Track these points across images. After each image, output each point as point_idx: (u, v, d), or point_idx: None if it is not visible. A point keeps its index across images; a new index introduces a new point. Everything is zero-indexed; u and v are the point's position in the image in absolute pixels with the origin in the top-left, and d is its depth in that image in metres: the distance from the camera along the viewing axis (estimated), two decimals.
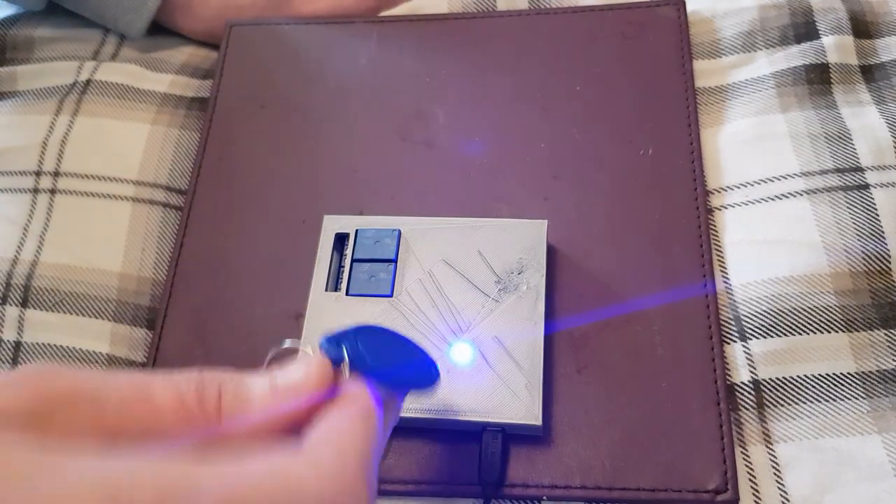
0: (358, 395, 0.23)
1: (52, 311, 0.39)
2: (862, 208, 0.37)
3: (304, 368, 0.23)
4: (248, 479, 0.19)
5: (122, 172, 0.43)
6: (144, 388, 0.21)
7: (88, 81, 0.46)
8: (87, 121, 0.45)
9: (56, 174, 0.43)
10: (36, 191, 0.43)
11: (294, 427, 0.23)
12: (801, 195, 0.38)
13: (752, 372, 0.35)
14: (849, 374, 0.34)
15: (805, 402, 0.34)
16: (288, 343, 0.24)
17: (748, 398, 0.35)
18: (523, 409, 0.33)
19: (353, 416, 0.23)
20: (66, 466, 0.18)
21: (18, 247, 0.41)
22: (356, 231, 0.37)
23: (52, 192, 0.43)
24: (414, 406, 0.33)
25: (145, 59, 0.49)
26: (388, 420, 0.26)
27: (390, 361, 0.25)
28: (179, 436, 0.21)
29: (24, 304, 0.39)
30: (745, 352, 0.35)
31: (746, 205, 0.39)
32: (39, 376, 0.20)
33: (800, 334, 0.35)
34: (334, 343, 0.24)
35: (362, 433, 0.22)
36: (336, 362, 0.24)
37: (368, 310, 0.35)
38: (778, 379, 0.35)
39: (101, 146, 0.44)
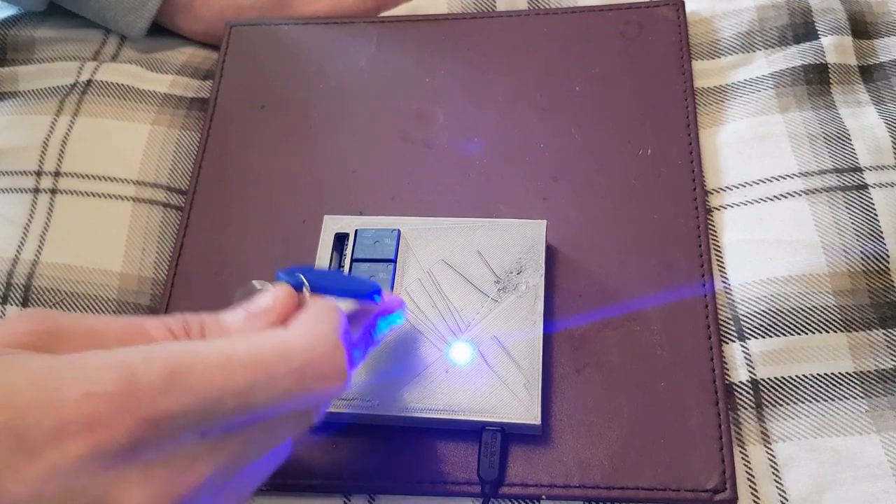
0: (320, 300, 0.27)
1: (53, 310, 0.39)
2: (860, 208, 0.37)
3: (270, 294, 0.26)
4: (244, 345, 0.22)
5: (122, 172, 0.44)
6: (139, 324, 0.24)
7: (89, 82, 0.46)
8: (88, 121, 0.45)
9: (57, 174, 0.43)
10: (37, 191, 0.43)
11: None
12: (800, 195, 0.38)
13: (750, 371, 0.35)
14: (847, 373, 0.34)
15: (803, 402, 0.34)
16: (257, 284, 0.27)
17: (747, 398, 0.35)
18: (522, 408, 0.33)
19: (322, 307, 0.26)
20: (83, 361, 0.21)
21: (19, 246, 0.41)
22: (356, 231, 0.38)
23: (53, 191, 0.43)
24: (414, 405, 0.33)
25: (146, 59, 0.49)
26: (356, 333, 0.29)
27: (338, 281, 0.30)
28: None
29: (25, 303, 0.40)
30: (743, 351, 0.35)
31: (745, 205, 0.39)
32: (42, 313, 0.23)
33: (798, 334, 0.35)
34: (289, 273, 0.27)
35: (332, 316, 0.25)
36: (296, 287, 0.27)
37: None
38: (776, 378, 0.35)
39: (101, 146, 0.44)
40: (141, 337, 0.24)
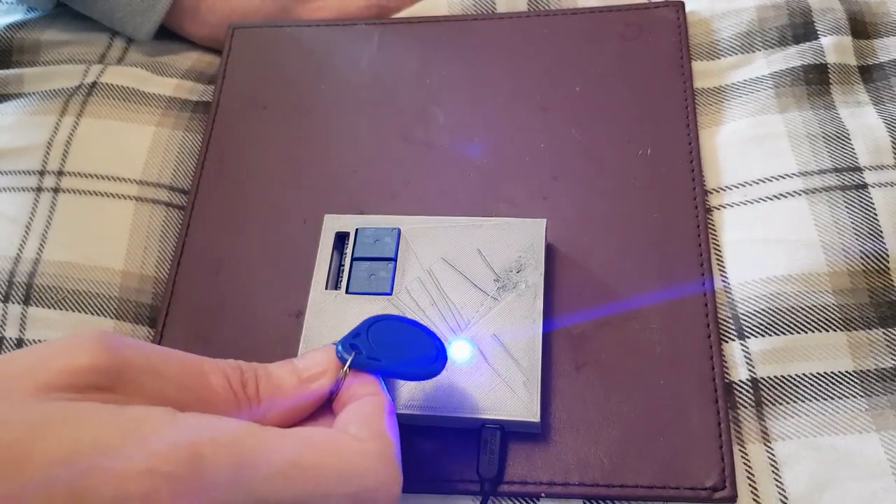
0: (370, 386, 0.28)
1: (55, 308, 0.40)
2: (860, 208, 0.37)
3: (323, 358, 0.28)
4: (310, 453, 0.23)
5: (125, 172, 0.44)
6: (198, 368, 0.25)
7: (94, 84, 0.47)
8: (92, 122, 0.45)
9: (60, 173, 0.44)
10: (39, 189, 0.43)
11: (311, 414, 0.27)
12: (800, 195, 0.38)
13: (750, 370, 0.35)
14: (847, 372, 0.34)
15: (803, 401, 0.34)
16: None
17: (746, 396, 0.35)
18: (522, 406, 0.33)
19: (376, 403, 0.27)
20: (149, 430, 0.21)
21: (21, 245, 0.41)
22: (356, 230, 0.38)
23: (56, 190, 0.43)
24: (412, 403, 0.33)
25: (151, 62, 0.49)
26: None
27: (400, 357, 0.29)
28: (229, 413, 0.24)
29: (27, 301, 0.40)
30: (743, 350, 0.35)
31: (745, 204, 0.39)
32: (105, 342, 0.23)
33: (798, 333, 0.35)
34: (348, 347, 0.28)
35: (393, 432, 0.26)
36: (343, 360, 0.28)
37: (368, 308, 0.36)
38: (776, 377, 0.35)
39: (105, 147, 0.45)
40: (200, 383, 0.24)
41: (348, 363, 0.28)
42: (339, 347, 0.28)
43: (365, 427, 0.25)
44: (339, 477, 0.23)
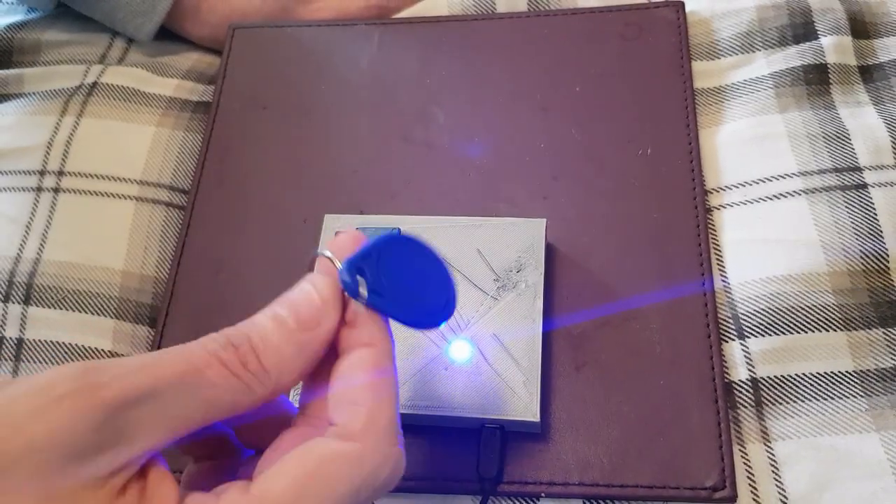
0: (373, 330, 0.24)
1: (55, 308, 0.40)
2: (860, 208, 0.37)
3: (323, 294, 0.24)
4: (314, 483, 0.21)
5: (125, 172, 0.44)
6: (192, 369, 0.21)
7: (94, 84, 0.47)
8: (93, 122, 0.45)
9: (60, 173, 0.44)
10: (39, 189, 0.43)
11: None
12: (800, 195, 0.38)
13: (750, 370, 0.35)
14: (847, 372, 0.34)
15: (803, 401, 0.34)
16: (328, 253, 0.24)
17: (746, 396, 0.35)
18: (522, 406, 0.33)
19: (379, 385, 0.23)
20: None
21: (21, 244, 0.41)
22: (356, 230, 0.38)
23: (56, 190, 0.43)
24: (413, 403, 0.33)
25: (152, 63, 0.49)
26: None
27: (407, 296, 0.24)
28: (242, 403, 0.22)
29: (27, 301, 0.40)
30: (743, 350, 0.35)
31: (745, 204, 0.39)
32: (85, 391, 0.20)
33: (798, 333, 0.35)
34: (354, 274, 0.23)
35: (388, 398, 0.23)
36: (352, 294, 0.23)
37: None
38: (776, 377, 0.35)
39: (105, 147, 0.45)
40: (199, 383, 0.21)
41: (364, 300, 0.23)
42: (345, 273, 0.23)
43: (354, 414, 0.23)
44: (350, 489, 0.22)
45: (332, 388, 0.24)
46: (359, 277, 0.23)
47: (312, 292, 0.24)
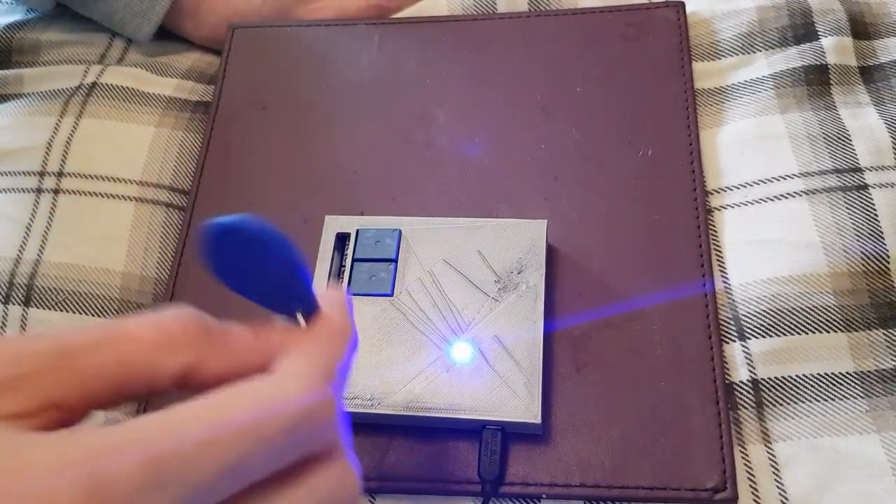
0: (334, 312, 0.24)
1: (55, 309, 0.40)
2: (861, 209, 0.37)
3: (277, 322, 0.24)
4: (234, 407, 0.19)
5: (125, 173, 0.44)
6: (118, 329, 0.20)
7: (94, 84, 0.47)
8: (92, 122, 0.45)
9: (60, 174, 0.43)
10: (39, 190, 0.43)
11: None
12: (800, 195, 0.38)
13: (750, 371, 0.35)
14: (847, 373, 0.34)
15: (804, 402, 0.34)
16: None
17: (747, 397, 0.35)
18: (523, 407, 0.33)
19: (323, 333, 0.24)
20: (35, 453, 0.17)
21: (21, 246, 0.41)
22: (357, 231, 0.38)
23: (56, 191, 0.43)
24: (414, 404, 0.33)
25: (151, 63, 0.49)
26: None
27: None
28: (167, 363, 0.21)
29: (27, 303, 0.40)
30: (743, 351, 0.35)
31: (745, 205, 0.39)
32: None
33: (798, 334, 0.35)
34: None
35: (334, 347, 0.23)
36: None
37: (369, 309, 0.36)
38: (777, 378, 0.35)
39: (105, 147, 0.45)
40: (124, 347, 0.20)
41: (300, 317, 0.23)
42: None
43: (295, 357, 0.22)
44: (267, 417, 0.19)
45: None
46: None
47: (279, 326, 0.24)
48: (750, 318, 0.36)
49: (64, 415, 0.19)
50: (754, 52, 0.44)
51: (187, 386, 0.21)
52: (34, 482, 0.16)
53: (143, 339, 0.20)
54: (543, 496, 0.33)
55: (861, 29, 0.44)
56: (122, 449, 0.17)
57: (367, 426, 0.35)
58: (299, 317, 0.24)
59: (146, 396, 0.21)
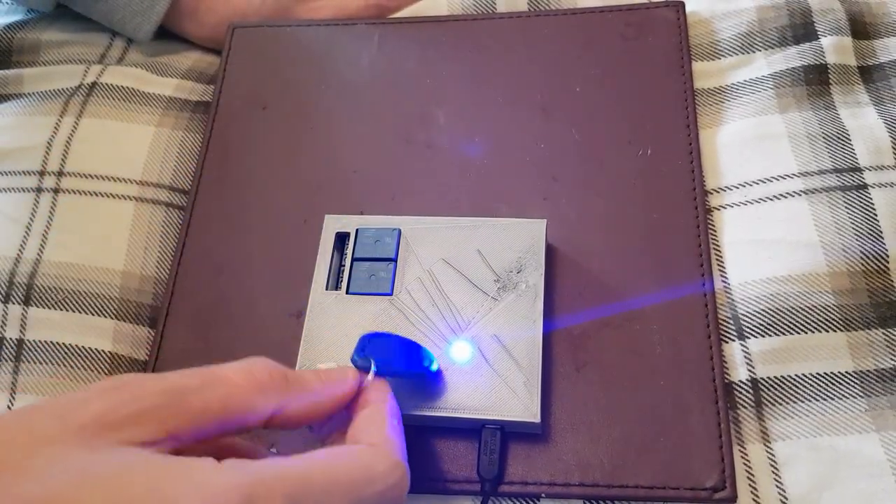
0: (381, 392, 0.30)
1: (55, 309, 0.40)
2: (860, 208, 0.37)
3: (340, 368, 0.30)
4: (344, 469, 0.25)
5: (125, 172, 0.44)
6: (217, 374, 0.25)
7: (94, 84, 0.47)
8: (92, 122, 0.45)
9: (60, 174, 0.43)
10: (39, 190, 0.43)
11: (334, 414, 0.29)
12: (800, 195, 0.38)
13: (750, 370, 0.35)
14: (846, 372, 0.34)
15: (803, 401, 0.34)
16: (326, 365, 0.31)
17: (746, 397, 0.35)
18: (522, 406, 0.33)
19: (384, 410, 0.29)
20: (201, 478, 0.21)
21: (21, 245, 0.41)
22: (357, 230, 0.38)
23: (56, 191, 0.43)
24: (413, 404, 0.33)
25: (151, 63, 0.49)
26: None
27: (400, 361, 0.32)
28: (255, 402, 0.25)
29: (27, 302, 0.40)
30: (743, 350, 0.35)
31: (745, 205, 0.39)
32: (127, 383, 0.23)
33: (798, 333, 0.35)
34: (361, 356, 0.31)
35: (397, 428, 0.29)
36: (363, 369, 0.31)
37: (369, 308, 0.36)
38: (776, 377, 0.35)
39: (105, 147, 0.45)
40: (218, 380, 0.25)
41: (372, 370, 0.30)
42: (356, 357, 0.31)
43: (376, 432, 0.28)
44: (367, 482, 0.25)
45: (355, 420, 0.29)
46: (363, 358, 0.31)
47: (333, 368, 0.30)
48: (749, 318, 0.36)
49: (178, 445, 0.23)
50: (754, 52, 0.44)
51: (273, 425, 0.26)
52: (205, 495, 0.21)
53: (239, 384, 0.25)
54: (543, 495, 0.33)
55: (861, 29, 0.44)
56: (270, 482, 0.22)
57: None
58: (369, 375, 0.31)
59: (241, 432, 0.25)
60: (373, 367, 0.30)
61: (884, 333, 0.35)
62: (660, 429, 0.34)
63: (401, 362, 0.32)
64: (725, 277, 0.37)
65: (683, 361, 0.35)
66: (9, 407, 0.38)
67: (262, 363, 0.26)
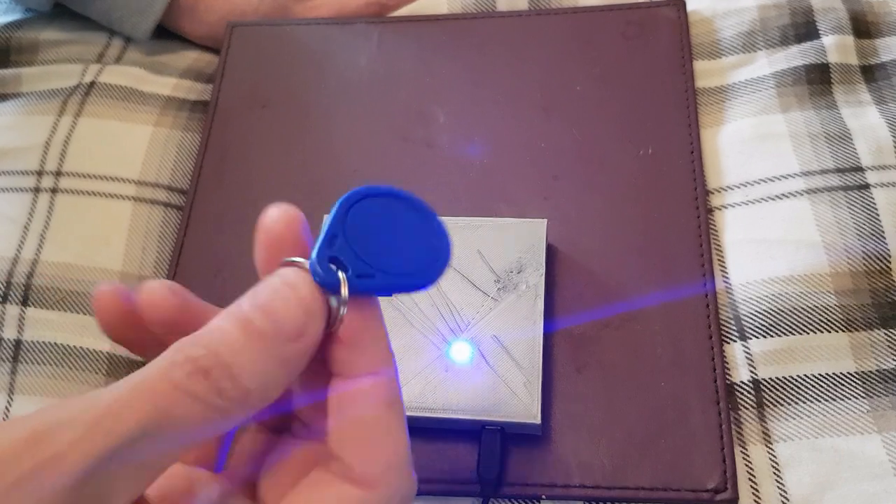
0: (372, 329, 0.21)
1: (53, 309, 0.40)
2: (862, 208, 0.37)
3: (298, 300, 0.19)
4: None
5: (123, 172, 0.44)
6: (156, 408, 0.18)
7: (92, 84, 0.47)
8: (90, 122, 0.45)
9: (58, 174, 0.43)
10: (37, 190, 0.43)
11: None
12: (802, 195, 0.38)
13: (751, 371, 0.35)
14: (849, 373, 0.34)
15: (805, 402, 0.34)
16: (299, 260, 0.20)
17: (748, 397, 0.34)
18: (522, 407, 0.33)
19: (391, 420, 0.21)
20: None
21: (19, 245, 0.41)
22: None
23: (54, 191, 0.43)
24: (412, 405, 0.33)
25: (149, 62, 0.49)
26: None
27: (396, 258, 0.20)
28: (218, 428, 0.19)
29: (25, 302, 0.40)
30: (744, 351, 0.35)
31: (746, 204, 0.39)
32: (36, 471, 0.17)
33: (800, 334, 0.35)
34: (327, 265, 0.20)
35: (401, 433, 0.21)
36: (328, 286, 0.19)
37: None
38: (778, 378, 0.35)
39: (103, 147, 0.44)
40: (168, 425, 0.18)
41: (343, 300, 0.19)
42: (318, 269, 0.19)
43: (370, 458, 0.20)
44: None
45: (334, 419, 0.21)
46: (333, 267, 0.19)
47: (290, 296, 0.19)
48: (751, 318, 0.36)
49: None
50: (755, 51, 0.44)
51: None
52: None
53: (192, 418, 0.19)
54: (543, 497, 0.33)
55: (863, 28, 0.43)
56: None
57: None
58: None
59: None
60: (345, 290, 0.19)
61: (886, 334, 0.35)
62: (661, 430, 0.34)
63: (397, 271, 0.20)
64: (727, 277, 0.37)
65: (684, 362, 0.35)
66: (7, 407, 0.38)
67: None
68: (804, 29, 0.43)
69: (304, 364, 0.20)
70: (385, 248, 0.20)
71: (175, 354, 0.19)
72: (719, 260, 0.38)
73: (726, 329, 0.36)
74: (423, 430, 0.34)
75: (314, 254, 0.20)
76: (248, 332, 0.19)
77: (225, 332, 0.19)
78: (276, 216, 0.21)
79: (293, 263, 0.20)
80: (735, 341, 0.36)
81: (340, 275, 0.19)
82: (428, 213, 0.22)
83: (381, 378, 0.21)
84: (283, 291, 0.20)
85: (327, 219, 0.21)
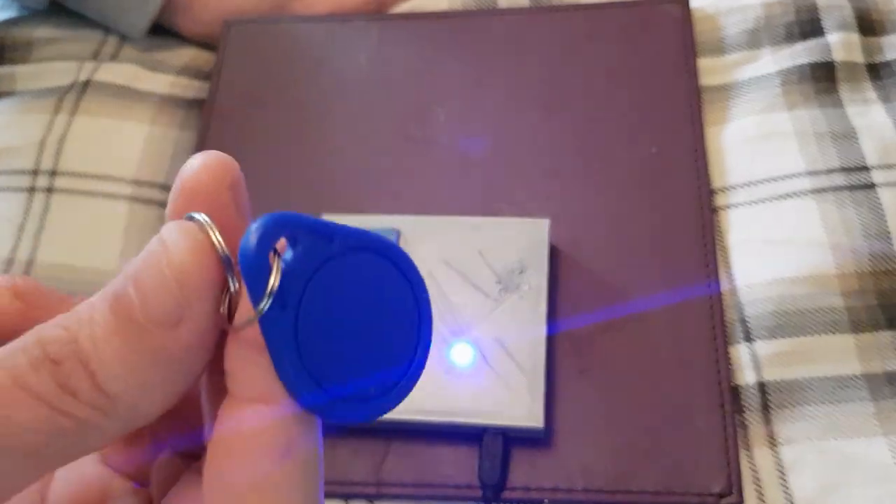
0: (275, 422, 0.14)
1: None
2: (868, 208, 0.37)
3: (167, 274, 0.14)
4: None
5: (119, 171, 0.43)
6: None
7: (88, 82, 0.46)
8: (86, 120, 0.45)
9: (53, 173, 0.43)
10: (32, 189, 0.43)
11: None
12: (807, 194, 0.38)
13: (757, 373, 0.35)
14: (854, 375, 0.34)
15: (810, 405, 0.34)
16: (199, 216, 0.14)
17: (753, 400, 0.34)
18: (525, 411, 0.32)
19: (276, 477, 0.14)
20: None
21: (14, 245, 0.41)
22: None
23: (49, 190, 0.43)
24: (413, 409, 0.33)
25: (145, 60, 0.48)
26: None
27: (339, 345, 0.14)
28: (73, 445, 0.14)
29: None
30: (750, 353, 0.35)
31: (751, 204, 0.38)
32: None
33: (805, 335, 0.35)
34: (268, 249, 0.13)
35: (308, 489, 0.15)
36: (255, 288, 0.13)
37: None
38: (783, 381, 0.34)
39: (99, 146, 0.44)
40: (7, 433, 0.13)
41: (271, 290, 0.13)
42: (251, 240, 0.13)
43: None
44: None
45: (207, 468, 0.14)
46: (274, 259, 0.13)
47: (163, 262, 0.14)
48: (756, 320, 0.35)
49: None
50: (760, 49, 0.43)
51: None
52: None
53: (37, 428, 0.14)
54: (545, 501, 0.33)
55: (868, 25, 0.43)
56: None
57: (365, 431, 0.34)
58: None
59: None
60: (276, 273, 0.13)
61: (892, 335, 0.35)
62: (665, 433, 0.33)
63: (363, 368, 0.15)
64: (732, 278, 0.37)
65: (689, 365, 0.35)
66: None
67: None
68: (809, 26, 0.43)
69: (197, 369, 0.14)
70: (339, 314, 0.14)
71: (29, 336, 0.14)
72: (724, 260, 0.37)
73: (731, 331, 0.36)
74: (424, 433, 0.34)
75: (260, 223, 0.14)
76: (116, 313, 0.14)
77: (95, 309, 0.14)
78: (198, 164, 0.15)
79: (193, 219, 0.14)
80: (740, 343, 0.35)
81: (275, 261, 0.13)
82: (423, 315, 0.15)
83: (278, 409, 0.14)
84: (156, 255, 0.14)
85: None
